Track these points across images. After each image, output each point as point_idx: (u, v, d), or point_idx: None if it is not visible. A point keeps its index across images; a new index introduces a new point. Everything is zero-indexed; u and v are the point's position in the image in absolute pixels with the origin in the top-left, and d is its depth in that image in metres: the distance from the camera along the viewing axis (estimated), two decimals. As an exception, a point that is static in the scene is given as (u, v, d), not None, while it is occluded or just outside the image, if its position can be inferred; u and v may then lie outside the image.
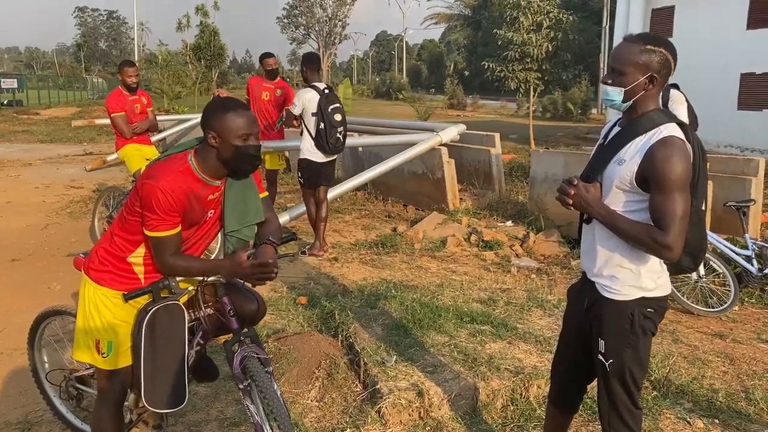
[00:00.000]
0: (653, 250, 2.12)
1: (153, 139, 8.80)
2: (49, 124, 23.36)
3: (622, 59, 2.18)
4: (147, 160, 6.24)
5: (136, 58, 45.46)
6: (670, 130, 2.12)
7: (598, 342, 2.32)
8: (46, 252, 6.48)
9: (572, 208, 2.22)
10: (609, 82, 2.21)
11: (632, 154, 2.15)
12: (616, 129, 2.31)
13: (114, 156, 11.88)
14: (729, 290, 5.00)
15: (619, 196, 2.20)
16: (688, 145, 2.12)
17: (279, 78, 7.39)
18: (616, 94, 2.20)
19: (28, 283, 5.50)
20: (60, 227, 7.52)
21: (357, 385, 3.63)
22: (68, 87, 44.77)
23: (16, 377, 3.76)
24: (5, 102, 32.35)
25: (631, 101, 2.20)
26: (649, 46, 2.15)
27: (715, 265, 5.11)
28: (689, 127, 2.17)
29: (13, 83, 35.33)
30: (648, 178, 2.10)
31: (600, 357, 2.32)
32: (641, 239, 2.11)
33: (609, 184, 2.22)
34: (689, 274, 5.12)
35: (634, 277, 2.23)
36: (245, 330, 2.54)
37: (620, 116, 2.34)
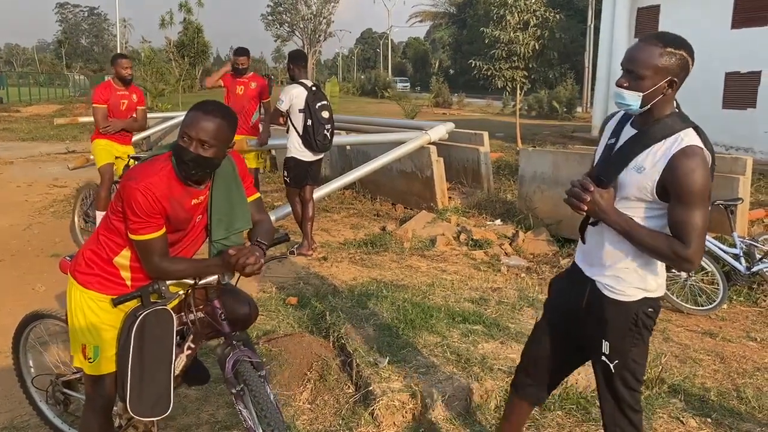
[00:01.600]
0: (673, 262, 2.08)
1: (137, 137, 8.68)
2: (30, 122, 23.02)
3: (640, 62, 2.05)
4: (117, 157, 6.18)
5: (119, 54, 44.93)
6: (690, 138, 2.04)
7: (601, 344, 2.27)
8: (30, 252, 6.36)
9: (584, 213, 2.14)
10: (626, 85, 2.08)
11: (653, 162, 2.07)
12: (629, 129, 2.21)
13: (98, 154, 11.81)
14: (718, 289, 5.03)
15: (637, 204, 2.13)
16: (707, 152, 2.05)
17: (252, 72, 7.30)
18: (633, 98, 2.08)
19: (12, 284, 5.39)
20: (43, 227, 7.40)
21: (349, 386, 3.60)
22: (49, 84, 44.23)
23: (2, 381, 3.66)
24: (-15, 99, 31.88)
25: (648, 106, 2.09)
26: (669, 49, 2.03)
27: (704, 264, 5.13)
28: (701, 130, 2.11)
29: (-7, 80, 34.81)
30: (669, 188, 2.03)
31: (604, 358, 2.28)
32: (662, 251, 2.06)
33: (624, 191, 2.14)
34: (679, 273, 5.14)
35: (640, 279, 2.20)
36: (237, 334, 2.49)
37: (623, 111, 2.25)
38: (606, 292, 2.25)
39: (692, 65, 2.09)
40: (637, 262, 2.19)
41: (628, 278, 2.21)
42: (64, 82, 48.33)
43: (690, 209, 2.01)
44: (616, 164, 2.18)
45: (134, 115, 6.40)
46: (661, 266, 2.24)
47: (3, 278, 5.56)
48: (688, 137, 2.05)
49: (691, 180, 1.99)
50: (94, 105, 6.22)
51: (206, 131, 2.21)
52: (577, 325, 2.38)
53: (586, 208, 2.11)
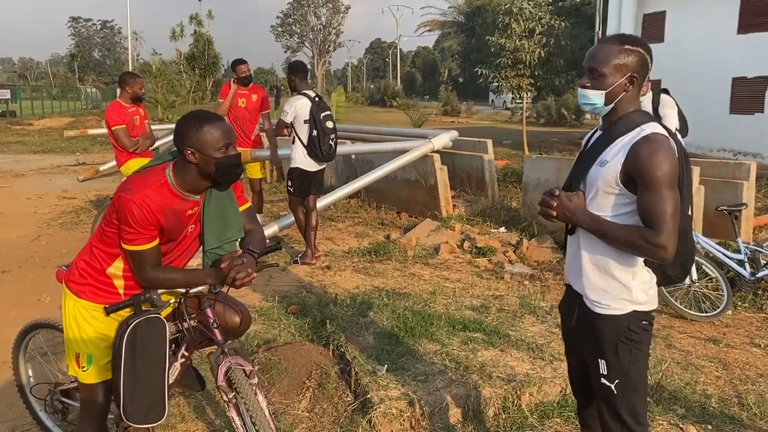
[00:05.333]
0: (646, 251, 2.02)
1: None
2: (42, 134, 23.29)
3: (600, 60, 2.09)
4: None
5: (131, 67, 45.49)
6: (653, 127, 2.05)
7: (598, 365, 2.19)
8: (37, 263, 6.43)
9: (555, 220, 2.14)
10: (588, 84, 2.12)
11: (614, 153, 2.07)
12: (597, 134, 2.24)
13: (107, 166, 11.93)
14: (722, 295, 4.99)
15: (605, 199, 2.11)
16: (672, 142, 2.04)
17: (252, 83, 7.36)
18: (596, 97, 2.11)
19: (18, 294, 5.45)
20: (51, 238, 7.48)
21: (348, 394, 3.60)
22: (62, 97, 44.64)
23: (4, 391, 3.71)
24: (-2, 113, 32.27)
25: (612, 104, 2.12)
26: (627, 46, 2.08)
27: (707, 270, 5.10)
28: (671, 131, 2.10)
29: (6, 94, 35.19)
30: (633, 176, 2.01)
31: (604, 381, 2.18)
32: (632, 242, 2.01)
33: (593, 188, 2.13)
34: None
35: (625, 291, 2.13)
36: (229, 342, 2.51)
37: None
38: (594, 309, 2.19)
39: (651, 63, 2.12)
40: (617, 269, 2.14)
41: (612, 290, 2.15)
42: (76, 95, 48.79)
43: (656, 194, 1.98)
44: (583, 166, 2.20)
45: (147, 130, 6.50)
46: (650, 278, 2.18)
47: (10, 289, 5.62)
48: (650, 128, 2.05)
49: (654, 163, 1.96)
50: (114, 128, 6.20)
51: (229, 134, 2.37)
52: (577, 344, 2.35)
53: (554, 213, 2.12)
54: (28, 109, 35.49)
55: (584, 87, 2.13)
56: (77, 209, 9.13)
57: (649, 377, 3.68)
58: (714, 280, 5.11)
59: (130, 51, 51.24)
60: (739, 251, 5.24)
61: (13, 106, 34.94)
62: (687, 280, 5.10)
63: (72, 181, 11.76)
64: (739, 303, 5.26)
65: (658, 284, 2.24)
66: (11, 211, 9.09)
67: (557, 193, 2.13)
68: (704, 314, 5.00)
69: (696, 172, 5.83)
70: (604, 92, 2.10)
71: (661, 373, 3.80)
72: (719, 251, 5.23)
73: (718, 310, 4.97)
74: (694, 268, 5.09)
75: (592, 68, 2.11)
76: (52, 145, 19.04)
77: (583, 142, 2.36)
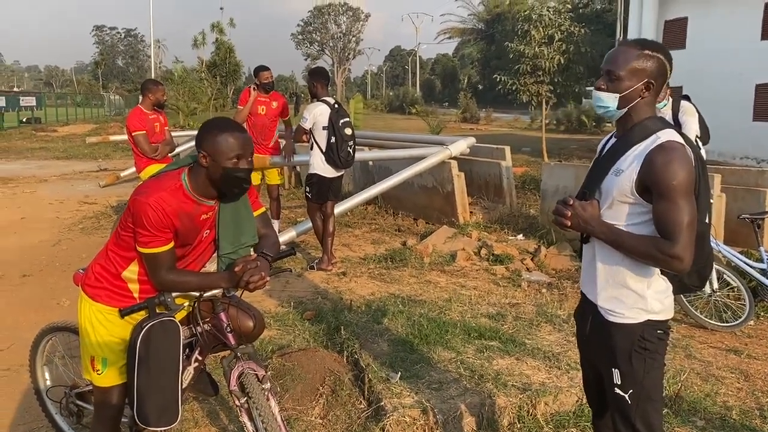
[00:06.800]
0: (662, 263, 1.98)
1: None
2: (65, 140, 23.67)
3: (618, 63, 2.06)
4: None
5: (153, 75, 46.12)
6: (669, 135, 2.01)
7: (611, 374, 2.16)
8: (57, 268, 6.51)
9: (569, 229, 2.11)
10: (603, 87, 2.09)
11: (630, 162, 2.04)
12: (612, 141, 2.21)
13: (128, 172, 12.08)
14: (744, 304, 4.90)
15: (620, 209, 2.07)
16: (689, 149, 2.00)
17: (272, 91, 7.37)
18: (610, 100, 2.08)
19: (38, 298, 5.52)
20: (72, 243, 7.58)
21: (361, 402, 3.59)
22: (86, 104, 45.38)
23: (22, 394, 3.75)
24: (24, 120, 32.85)
25: (626, 109, 2.08)
26: (647, 51, 2.05)
27: (729, 279, 5.01)
28: (689, 139, 2.09)
29: (31, 101, 35.84)
30: (649, 185, 1.98)
31: (617, 390, 2.15)
32: (648, 253, 1.98)
33: (608, 197, 2.09)
34: (702, 288, 5.02)
35: (640, 300, 2.10)
36: (243, 346, 2.52)
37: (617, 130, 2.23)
38: (608, 317, 2.16)
39: (670, 70, 2.08)
40: (632, 278, 2.11)
41: (626, 299, 2.12)
42: (99, 102, 49.55)
43: (672, 204, 1.94)
44: (597, 174, 2.16)
45: (167, 137, 6.58)
46: (665, 286, 2.14)
47: (30, 292, 5.70)
48: (666, 135, 2.02)
49: (670, 172, 1.93)
50: (135, 133, 6.29)
51: (245, 146, 2.34)
52: (591, 352, 2.32)
53: (568, 222, 2.08)
54: (52, 115, 36.12)
55: (599, 89, 2.11)
56: (98, 214, 9.24)
57: (669, 388, 3.64)
58: (735, 289, 5.02)
59: (153, 59, 51.93)
60: (761, 260, 5.14)
61: (38, 113, 35.56)
62: (707, 289, 5.01)
63: (93, 186, 11.92)
64: (762, 313, 5.16)
65: (675, 293, 2.19)
66: (34, 215, 9.24)
67: (571, 202, 2.09)
68: (725, 324, 4.91)
69: (718, 179, 5.74)
70: (618, 96, 2.07)
71: (680, 384, 3.73)
72: (741, 260, 5.13)
73: (740, 320, 4.87)
74: (714, 277, 5.01)
75: (609, 71, 2.09)
76: (74, 151, 19.35)
77: (598, 148, 2.33)
